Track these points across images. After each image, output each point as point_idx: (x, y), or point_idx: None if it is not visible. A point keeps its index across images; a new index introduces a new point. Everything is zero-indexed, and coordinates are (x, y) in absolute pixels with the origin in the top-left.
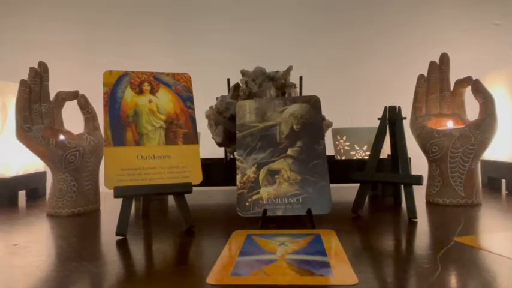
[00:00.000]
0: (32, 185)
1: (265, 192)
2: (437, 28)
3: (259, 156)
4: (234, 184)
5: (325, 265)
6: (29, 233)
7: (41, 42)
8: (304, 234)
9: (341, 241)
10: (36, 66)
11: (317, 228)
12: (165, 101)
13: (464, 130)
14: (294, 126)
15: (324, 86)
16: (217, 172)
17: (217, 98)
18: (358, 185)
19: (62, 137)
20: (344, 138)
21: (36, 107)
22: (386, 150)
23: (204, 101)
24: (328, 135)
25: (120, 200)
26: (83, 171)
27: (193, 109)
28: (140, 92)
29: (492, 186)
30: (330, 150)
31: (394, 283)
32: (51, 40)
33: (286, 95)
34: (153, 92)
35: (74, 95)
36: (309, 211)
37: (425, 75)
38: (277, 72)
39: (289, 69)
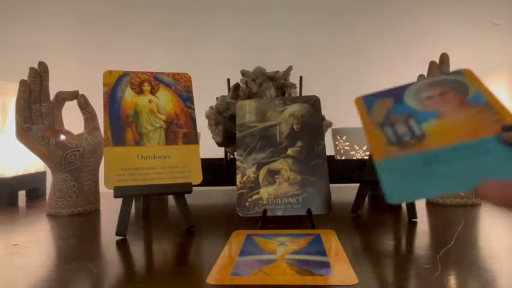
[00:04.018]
0: (32, 185)
1: (265, 192)
2: (438, 28)
3: (259, 156)
4: (234, 184)
5: (325, 265)
6: (29, 233)
7: (41, 41)
8: (304, 234)
9: (341, 241)
10: (36, 66)
11: (317, 228)
12: (165, 101)
13: None
14: (294, 126)
15: (324, 86)
16: (217, 172)
17: (217, 98)
18: (358, 185)
19: (62, 137)
20: (344, 138)
21: (36, 107)
22: None
23: (204, 101)
24: (328, 135)
25: (120, 200)
26: (83, 171)
27: (193, 109)
28: (140, 92)
29: None
30: (330, 150)
31: (394, 283)
32: (51, 40)
33: (286, 95)
34: (153, 92)
35: (74, 95)
36: (309, 211)
37: (425, 75)
38: (277, 72)
39: (289, 69)
